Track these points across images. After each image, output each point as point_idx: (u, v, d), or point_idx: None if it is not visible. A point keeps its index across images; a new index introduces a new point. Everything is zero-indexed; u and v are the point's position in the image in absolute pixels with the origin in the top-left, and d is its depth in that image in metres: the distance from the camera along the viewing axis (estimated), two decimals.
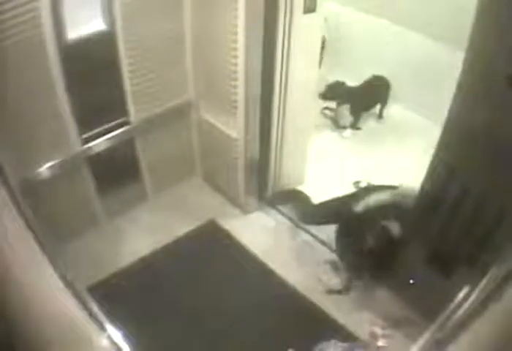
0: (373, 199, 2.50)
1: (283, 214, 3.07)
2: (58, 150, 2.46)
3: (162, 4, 2.44)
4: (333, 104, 3.70)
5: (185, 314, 2.49)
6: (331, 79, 3.63)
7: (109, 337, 1.27)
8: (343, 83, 3.54)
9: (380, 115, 3.80)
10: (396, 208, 2.42)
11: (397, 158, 3.37)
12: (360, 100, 3.62)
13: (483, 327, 1.06)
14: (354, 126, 3.69)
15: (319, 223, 2.86)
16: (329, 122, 3.78)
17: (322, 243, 2.85)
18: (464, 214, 2.01)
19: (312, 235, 2.91)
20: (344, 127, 3.71)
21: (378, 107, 3.78)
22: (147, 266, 2.71)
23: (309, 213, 2.90)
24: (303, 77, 2.70)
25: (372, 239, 2.42)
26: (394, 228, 2.42)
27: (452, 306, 1.24)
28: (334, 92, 3.52)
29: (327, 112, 3.82)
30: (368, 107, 3.72)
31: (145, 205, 3.09)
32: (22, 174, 2.27)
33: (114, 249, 2.79)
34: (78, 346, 1.18)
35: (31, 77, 2.17)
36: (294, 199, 3.05)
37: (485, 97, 1.75)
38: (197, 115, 2.97)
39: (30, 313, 1.05)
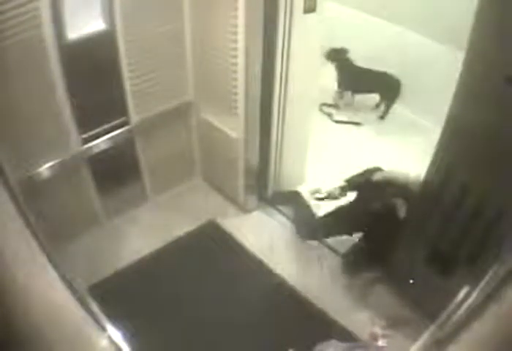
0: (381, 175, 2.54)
1: (283, 214, 3.08)
2: (58, 150, 2.46)
3: (162, 4, 2.44)
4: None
5: (185, 313, 2.49)
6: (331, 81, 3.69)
7: (109, 337, 1.27)
8: (345, 51, 3.65)
9: (382, 117, 3.80)
10: (403, 188, 2.43)
11: (397, 157, 3.37)
12: (352, 76, 3.73)
13: (483, 327, 1.06)
14: (348, 103, 3.86)
15: (325, 237, 2.85)
16: (328, 119, 3.82)
17: (322, 242, 2.86)
18: (464, 214, 2.01)
19: None
20: (341, 122, 3.78)
21: (381, 104, 3.83)
22: (147, 266, 2.71)
23: (314, 228, 2.88)
24: (303, 77, 2.70)
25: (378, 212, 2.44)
26: (400, 206, 2.43)
27: (452, 306, 1.24)
28: (335, 55, 3.64)
29: (325, 108, 3.85)
30: (358, 89, 3.79)
31: (145, 205, 3.10)
32: (22, 174, 2.27)
33: (114, 249, 2.79)
34: (78, 346, 1.18)
35: (31, 77, 2.17)
36: (292, 201, 3.05)
37: (485, 97, 1.75)
38: (197, 115, 2.97)
39: (30, 313, 1.05)
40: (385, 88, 3.68)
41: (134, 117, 2.70)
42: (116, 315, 1.39)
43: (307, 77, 2.75)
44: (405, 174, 2.50)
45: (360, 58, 3.71)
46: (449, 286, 1.55)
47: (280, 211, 3.09)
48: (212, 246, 2.87)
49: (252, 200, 3.07)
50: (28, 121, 2.25)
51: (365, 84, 3.75)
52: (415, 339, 1.47)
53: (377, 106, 3.83)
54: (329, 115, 3.82)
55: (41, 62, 2.17)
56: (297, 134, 2.94)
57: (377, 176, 2.54)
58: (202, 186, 3.26)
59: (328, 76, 3.79)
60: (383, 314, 2.44)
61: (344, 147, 3.57)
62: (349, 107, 3.87)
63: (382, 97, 3.76)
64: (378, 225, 2.44)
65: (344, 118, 3.81)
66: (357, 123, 3.76)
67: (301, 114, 2.89)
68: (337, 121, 3.80)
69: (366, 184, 2.57)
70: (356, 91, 3.81)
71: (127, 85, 2.56)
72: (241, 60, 2.43)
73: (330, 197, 3.01)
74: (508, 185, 1.79)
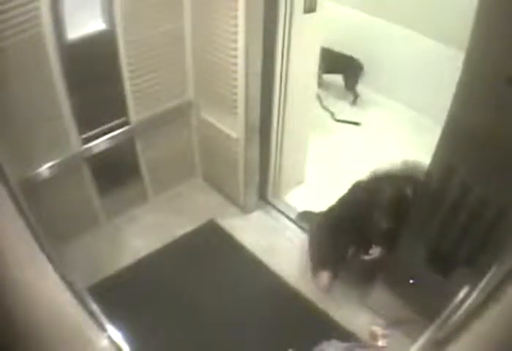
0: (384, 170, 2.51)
1: (283, 214, 3.08)
2: (58, 150, 2.46)
3: (162, 4, 2.44)
4: None
5: (185, 313, 2.50)
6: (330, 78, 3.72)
7: (109, 337, 1.27)
8: None
9: (354, 101, 3.94)
10: (408, 179, 2.41)
11: (397, 156, 3.36)
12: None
13: (483, 327, 1.06)
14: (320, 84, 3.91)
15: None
16: (328, 118, 3.83)
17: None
18: (464, 214, 2.01)
19: None
20: (342, 121, 3.81)
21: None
22: (147, 266, 2.71)
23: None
24: (303, 76, 2.70)
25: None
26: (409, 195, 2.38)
27: (452, 306, 1.24)
28: None
29: (327, 105, 3.87)
30: (324, 69, 3.88)
31: (145, 205, 3.10)
32: (22, 174, 2.27)
33: (114, 249, 2.79)
34: (78, 346, 1.18)
35: (31, 77, 2.17)
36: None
37: (485, 97, 1.75)
38: (197, 115, 2.97)
39: (29, 313, 1.05)
40: (347, 69, 3.84)
41: (134, 117, 2.70)
42: (116, 315, 1.39)
43: (307, 77, 2.75)
44: (409, 166, 2.47)
45: (359, 57, 3.71)
46: (449, 286, 1.56)
47: (280, 211, 3.09)
48: (212, 246, 2.87)
49: (252, 200, 3.07)
50: (28, 121, 2.25)
51: (330, 65, 3.84)
52: (414, 339, 1.47)
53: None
54: (331, 113, 3.83)
55: (41, 62, 2.17)
56: (297, 134, 2.94)
57: (378, 171, 2.50)
58: (202, 186, 3.26)
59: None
60: (383, 314, 2.44)
61: (344, 147, 3.57)
62: (321, 87, 3.93)
63: (345, 77, 3.89)
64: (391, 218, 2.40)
65: (345, 118, 3.81)
66: (356, 123, 3.77)
67: (301, 114, 2.89)
68: (338, 120, 3.81)
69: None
70: (324, 71, 3.88)
71: (127, 85, 2.56)
72: (240, 60, 2.43)
73: None
74: (508, 185, 1.79)
